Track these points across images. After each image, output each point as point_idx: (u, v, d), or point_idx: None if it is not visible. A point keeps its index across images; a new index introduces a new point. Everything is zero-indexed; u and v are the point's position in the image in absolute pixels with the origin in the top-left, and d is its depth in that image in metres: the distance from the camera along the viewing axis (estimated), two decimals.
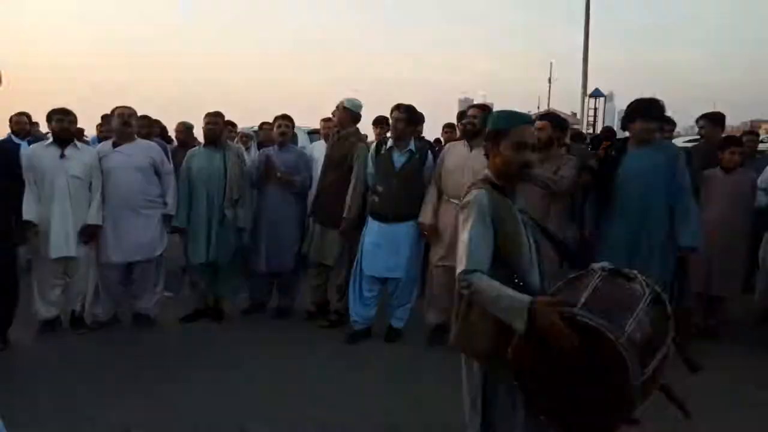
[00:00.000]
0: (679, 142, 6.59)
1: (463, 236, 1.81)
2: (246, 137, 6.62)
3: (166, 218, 4.41)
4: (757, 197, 4.37)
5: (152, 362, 3.74)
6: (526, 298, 1.69)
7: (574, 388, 1.66)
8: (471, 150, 3.92)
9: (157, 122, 5.86)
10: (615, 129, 7.80)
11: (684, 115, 31.04)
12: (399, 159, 4.11)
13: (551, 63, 39.73)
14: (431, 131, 10.73)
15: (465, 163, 3.90)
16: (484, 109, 4.09)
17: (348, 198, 4.22)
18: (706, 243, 4.22)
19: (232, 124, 6.17)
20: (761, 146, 6.54)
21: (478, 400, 1.91)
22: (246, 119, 7.54)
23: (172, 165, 4.56)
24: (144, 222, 4.26)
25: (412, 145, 4.15)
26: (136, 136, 4.39)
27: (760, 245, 4.64)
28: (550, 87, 39.84)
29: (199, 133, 5.43)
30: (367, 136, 4.66)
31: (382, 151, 4.15)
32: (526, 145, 1.87)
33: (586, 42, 19.14)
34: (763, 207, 4.42)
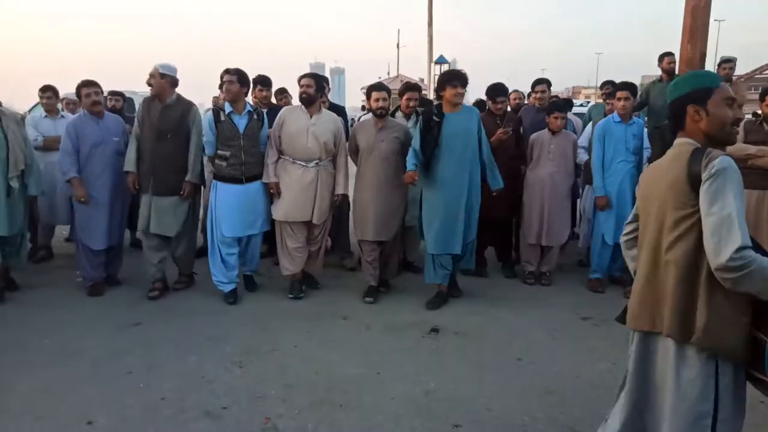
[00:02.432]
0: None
1: (724, 209, 1.54)
2: (73, 104, 5.99)
3: None
4: (578, 155, 4.90)
5: None
6: None
7: None
8: (311, 116, 4.21)
9: None
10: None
11: (519, 80, 33.86)
12: (241, 122, 4.22)
13: (399, 30, 40.54)
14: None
15: (307, 127, 4.19)
16: (316, 77, 4.28)
17: (191, 163, 4.31)
18: (539, 198, 4.69)
19: (52, 89, 5.49)
20: (580, 110, 7.36)
21: (711, 395, 1.66)
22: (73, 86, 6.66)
23: None
24: None
25: (249, 107, 4.29)
26: None
27: (581, 197, 5.26)
28: (398, 53, 40.76)
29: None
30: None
31: (222, 119, 4.19)
32: (735, 100, 1.75)
33: (430, 10, 19.82)
34: (583, 164, 4.97)
